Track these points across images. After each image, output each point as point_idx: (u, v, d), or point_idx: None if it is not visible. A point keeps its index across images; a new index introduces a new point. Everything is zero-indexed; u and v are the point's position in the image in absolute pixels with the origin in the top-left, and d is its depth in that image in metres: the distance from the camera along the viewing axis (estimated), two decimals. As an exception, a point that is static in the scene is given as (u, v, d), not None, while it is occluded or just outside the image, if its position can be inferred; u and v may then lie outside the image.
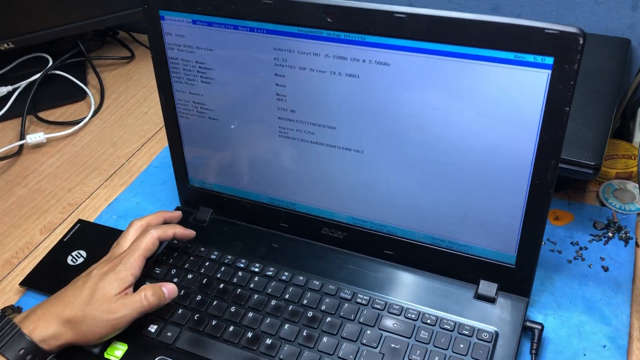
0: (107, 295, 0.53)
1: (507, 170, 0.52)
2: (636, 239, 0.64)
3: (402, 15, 0.49)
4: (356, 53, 0.52)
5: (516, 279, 0.56)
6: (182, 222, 0.67)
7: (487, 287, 0.57)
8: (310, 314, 0.57)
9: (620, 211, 0.66)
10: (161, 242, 0.59)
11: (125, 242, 0.59)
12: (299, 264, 0.62)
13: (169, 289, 0.56)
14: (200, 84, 0.61)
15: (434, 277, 0.59)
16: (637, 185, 0.69)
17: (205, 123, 0.63)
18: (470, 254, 0.57)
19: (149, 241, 0.57)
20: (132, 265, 0.55)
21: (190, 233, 0.63)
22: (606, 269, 0.61)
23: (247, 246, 0.65)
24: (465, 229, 0.57)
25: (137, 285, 0.56)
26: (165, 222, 0.63)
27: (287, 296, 0.58)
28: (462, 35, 0.48)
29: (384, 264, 0.61)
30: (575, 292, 0.59)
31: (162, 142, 0.85)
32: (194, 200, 0.70)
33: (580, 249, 0.63)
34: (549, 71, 0.46)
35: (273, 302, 0.58)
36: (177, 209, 0.70)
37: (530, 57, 0.46)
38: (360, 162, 0.57)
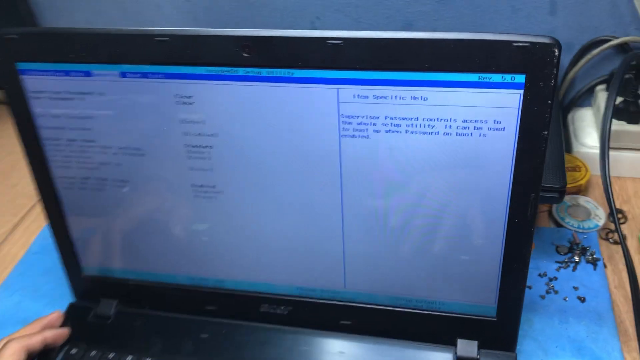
0: None
1: (479, 210, 0.43)
2: (603, 259, 0.58)
3: (337, 42, 0.39)
4: (283, 92, 0.42)
5: (499, 332, 0.48)
6: (79, 321, 0.53)
7: (467, 347, 0.48)
8: (265, 422, 0.45)
9: (579, 230, 0.61)
10: (31, 354, 0.48)
11: None
12: (237, 355, 0.50)
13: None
14: (84, 150, 0.47)
15: (403, 344, 0.50)
16: (589, 199, 0.64)
17: (93, 195, 0.50)
18: (443, 311, 0.49)
19: (9, 356, 0.45)
20: None
21: (62, 333, 0.51)
22: (583, 300, 0.55)
23: (168, 342, 0.52)
24: (434, 283, 0.48)
25: None
26: (50, 344, 0.50)
27: (231, 404, 0.46)
28: (413, 58, 0.39)
29: (342, 337, 0.51)
30: (558, 332, 0.52)
31: (41, 219, 0.70)
32: (92, 291, 0.55)
33: (550, 280, 0.57)
34: (521, 91, 0.39)
35: (215, 415, 0.46)
36: (71, 305, 0.56)
37: (497, 77, 0.39)
38: (301, 219, 0.47)
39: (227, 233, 0.49)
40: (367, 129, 0.42)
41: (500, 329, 0.48)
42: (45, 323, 0.51)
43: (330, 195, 0.45)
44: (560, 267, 0.58)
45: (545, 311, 0.54)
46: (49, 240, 0.65)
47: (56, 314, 0.53)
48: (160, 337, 0.52)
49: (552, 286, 0.56)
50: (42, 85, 0.45)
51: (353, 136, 0.42)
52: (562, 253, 0.59)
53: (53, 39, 0.43)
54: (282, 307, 0.52)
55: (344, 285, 0.50)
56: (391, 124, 0.41)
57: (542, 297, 0.55)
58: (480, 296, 0.47)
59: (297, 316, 0.51)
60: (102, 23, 0.84)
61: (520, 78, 0.38)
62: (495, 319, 0.48)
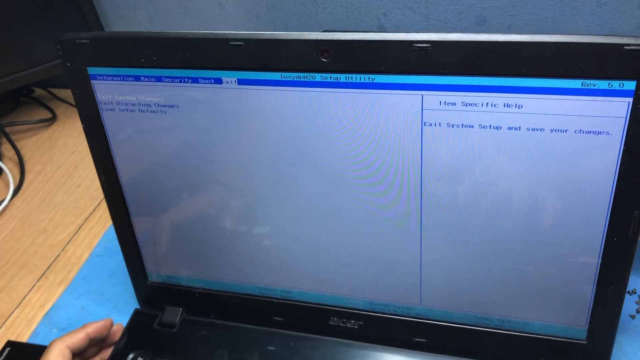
0: None
1: (574, 226, 0.40)
2: (699, 276, 0.54)
3: (424, 45, 0.36)
4: (362, 99, 0.39)
5: (588, 358, 0.45)
6: (145, 328, 0.53)
7: (552, 371, 0.45)
8: None
9: (671, 244, 0.56)
10: (77, 350, 0.48)
11: None
12: (306, 370, 0.48)
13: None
14: (153, 154, 0.46)
15: (482, 365, 0.47)
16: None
17: (159, 201, 0.49)
18: (527, 332, 0.45)
19: (55, 357, 0.46)
20: None
21: (105, 324, 0.50)
22: (678, 321, 0.50)
23: (234, 354, 0.50)
24: (518, 302, 0.44)
25: None
26: (94, 337, 0.50)
27: (302, 423, 0.45)
28: (508, 63, 0.36)
29: (416, 355, 0.48)
30: (651, 356, 0.48)
31: (104, 220, 0.70)
32: (157, 298, 0.55)
33: (640, 298, 0.53)
34: (630, 99, 0.35)
35: None
36: (136, 312, 0.55)
37: (603, 84, 0.35)
38: (376, 230, 0.44)
39: (296, 242, 0.47)
40: (452, 138, 0.39)
41: (590, 353, 0.44)
42: (91, 330, 0.49)
43: (408, 205, 0.42)
44: (651, 284, 0.53)
45: (635, 332, 0.50)
46: (113, 243, 0.65)
47: (106, 321, 0.51)
48: (226, 348, 0.51)
49: (643, 305, 0.52)
50: (112, 89, 0.44)
51: (436, 145, 0.39)
52: (652, 269, 0.55)
53: (124, 44, 0.41)
54: (353, 321, 0.49)
55: (419, 301, 0.47)
56: (480, 133, 0.38)
57: (632, 316, 0.51)
58: (569, 318, 0.44)
59: (368, 331, 0.49)
60: (164, 21, 0.83)
61: (630, 85, 0.35)
62: (585, 343, 0.44)
